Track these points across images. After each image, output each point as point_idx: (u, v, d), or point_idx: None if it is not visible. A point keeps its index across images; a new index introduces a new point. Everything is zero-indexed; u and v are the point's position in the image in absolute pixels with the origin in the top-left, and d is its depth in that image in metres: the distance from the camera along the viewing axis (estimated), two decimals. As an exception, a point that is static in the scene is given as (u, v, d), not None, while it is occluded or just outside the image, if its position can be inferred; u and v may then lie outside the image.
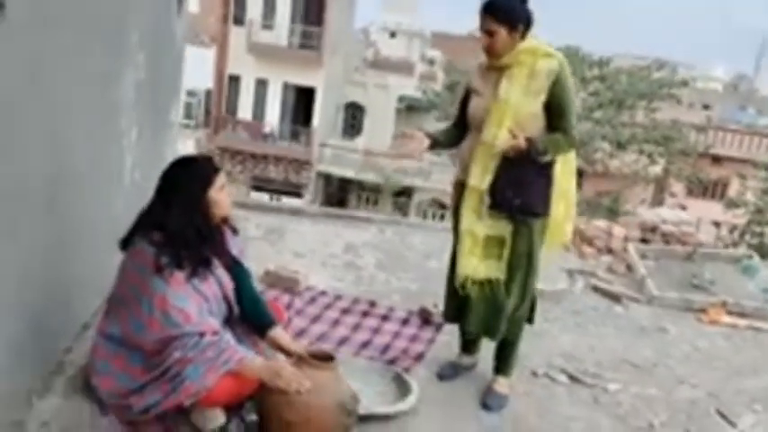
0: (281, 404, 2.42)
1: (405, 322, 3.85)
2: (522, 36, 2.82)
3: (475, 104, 2.98)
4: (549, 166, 2.91)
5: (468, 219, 2.97)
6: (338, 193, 24.97)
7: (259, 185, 23.13)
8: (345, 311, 3.86)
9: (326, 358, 2.58)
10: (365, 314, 3.87)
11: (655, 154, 20.00)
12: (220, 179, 2.58)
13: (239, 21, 23.40)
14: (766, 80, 51.58)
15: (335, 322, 3.70)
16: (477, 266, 2.99)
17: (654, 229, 5.53)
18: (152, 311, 2.40)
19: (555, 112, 2.82)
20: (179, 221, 2.48)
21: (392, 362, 3.29)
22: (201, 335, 2.40)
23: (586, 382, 3.49)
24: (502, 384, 3.18)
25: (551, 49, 2.86)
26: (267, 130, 23.47)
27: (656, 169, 20.78)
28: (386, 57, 34.37)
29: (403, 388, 3.02)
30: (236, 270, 2.72)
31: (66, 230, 2.80)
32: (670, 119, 20.64)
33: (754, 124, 31.49)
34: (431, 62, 36.45)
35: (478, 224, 2.96)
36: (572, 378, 3.50)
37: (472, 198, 2.95)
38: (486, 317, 3.05)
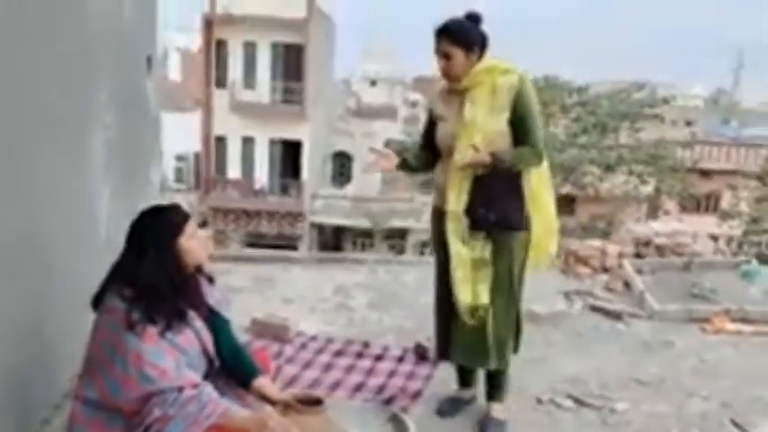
0: (271, 455, 2.29)
1: (400, 360, 3.72)
2: (479, 57, 2.81)
3: (442, 131, 2.94)
4: (517, 178, 2.85)
5: (455, 245, 2.88)
6: (333, 241, 24.89)
7: (253, 242, 23.04)
8: (338, 354, 3.74)
9: (315, 402, 2.46)
10: (359, 355, 3.75)
11: (644, 173, 20.03)
12: (190, 227, 2.50)
13: (222, 83, 23.71)
14: (746, 93, 52.16)
15: (328, 366, 3.57)
16: (468, 292, 2.89)
17: (647, 243, 5.44)
18: (127, 370, 2.29)
19: (519, 126, 2.78)
20: (150, 273, 2.39)
21: (388, 402, 3.16)
22: (180, 390, 2.28)
23: (593, 404, 3.35)
24: (498, 410, 3.06)
25: (510, 66, 2.82)
26: (257, 186, 23.53)
27: (648, 188, 20.79)
28: (368, 104, 34.76)
29: (400, 428, 2.88)
30: (214, 320, 2.61)
31: (35, 296, 2.71)
32: (655, 138, 20.75)
33: (739, 136, 31.70)
34: (413, 104, 36.85)
35: (464, 249, 2.88)
36: (578, 402, 3.37)
37: (453, 223, 2.88)
38: (474, 345, 2.94)
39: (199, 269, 2.61)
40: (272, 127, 23.44)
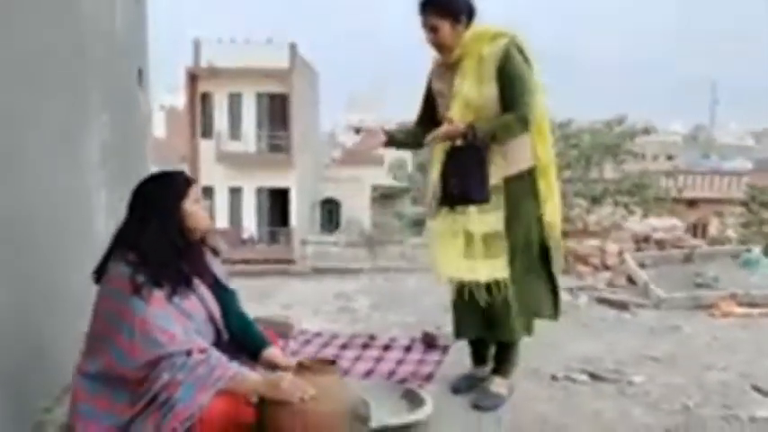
0: (286, 416, 2.18)
1: (408, 349, 3.63)
2: (467, 26, 2.75)
3: (442, 107, 2.89)
4: (482, 150, 2.73)
5: (463, 216, 2.80)
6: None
7: (244, 292, 22.81)
8: (344, 347, 3.64)
9: (328, 364, 2.37)
10: (365, 347, 3.65)
11: (630, 204, 20.17)
12: (194, 191, 2.45)
13: (207, 134, 23.87)
14: (723, 129, 53.21)
15: (335, 358, 3.46)
16: (474, 267, 2.81)
17: (647, 239, 5.42)
18: (132, 335, 2.20)
19: (506, 92, 2.69)
20: (154, 237, 2.33)
21: (401, 382, 3.06)
22: (189, 353, 2.19)
23: (609, 378, 3.27)
24: (499, 384, 2.93)
25: (500, 30, 2.76)
26: (246, 235, 23.43)
27: (635, 219, 20.90)
28: (354, 153, 35.01)
29: (416, 401, 2.78)
30: (221, 293, 2.54)
31: (34, 292, 2.65)
32: (638, 170, 21.01)
33: (719, 168, 32.14)
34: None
35: (471, 223, 2.80)
36: (593, 376, 3.29)
37: (435, 194, 2.84)
38: (493, 320, 2.85)
39: (203, 240, 2.55)
40: (259, 176, 23.52)
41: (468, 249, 2.81)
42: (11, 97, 2.43)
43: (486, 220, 2.79)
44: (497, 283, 2.78)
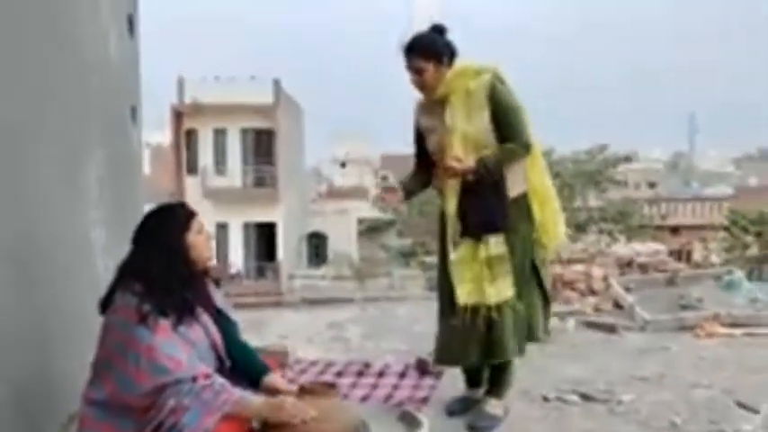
0: (289, 438, 2.25)
1: (402, 375, 3.70)
2: (449, 65, 2.92)
3: (432, 142, 3.04)
4: (501, 183, 2.91)
5: (450, 246, 2.95)
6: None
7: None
8: (339, 374, 3.71)
9: (328, 387, 2.44)
10: (360, 373, 3.72)
11: (614, 231, 20.40)
12: (197, 223, 2.53)
13: (193, 170, 23.91)
14: (703, 156, 54.02)
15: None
16: (484, 291, 2.91)
17: (630, 263, 5.55)
18: (139, 363, 2.25)
19: (500, 120, 2.86)
20: (159, 268, 2.40)
21: (397, 406, 3.12)
22: (194, 379, 2.26)
23: (599, 398, 3.35)
24: (493, 405, 3.04)
25: (482, 65, 2.93)
26: (233, 270, 23.35)
27: (620, 246, 21.11)
28: (339, 187, 35.20)
29: (413, 424, 2.84)
30: (223, 323, 2.61)
31: (40, 322, 2.70)
32: (621, 198, 21.31)
33: (701, 194, 32.63)
34: (384, 178, 37.36)
35: (462, 250, 2.93)
36: (584, 397, 3.37)
37: (450, 227, 2.96)
38: (491, 342, 2.94)
39: (205, 271, 2.63)
40: (246, 211, 23.56)
41: (478, 274, 2.92)
42: (16, 129, 2.50)
43: (490, 243, 2.91)
44: (504, 303, 2.89)
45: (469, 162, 2.83)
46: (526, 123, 2.93)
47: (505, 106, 2.87)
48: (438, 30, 2.94)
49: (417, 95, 3.08)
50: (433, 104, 2.99)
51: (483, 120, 2.86)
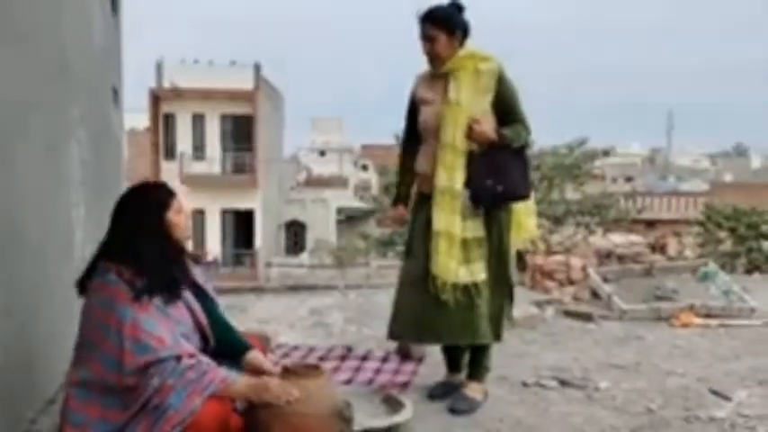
0: (273, 419, 2.26)
1: (384, 360, 3.73)
2: (461, 43, 2.99)
3: (426, 113, 3.06)
4: (523, 149, 3.02)
5: (442, 220, 2.94)
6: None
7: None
8: (322, 359, 3.72)
9: (313, 369, 2.46)
10: (343, 358, 3.74)
11: (591, 224, 20.60)
12: (177, 202, 2.52)
13: (170, 155, 23.68)
14: (679, 152, 54.73)
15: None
16: (457, 270, 2.94)
17: (609, 255, 5.64)
18: (122, 341, 2.24)
19: (505, 107, 2.95)
20: (140, 247, 2.38)
21: (379, 389, 3.15)
22: (179, 359, 2.25)
23: (577, 384, 3.42)
24: (474, 389, 3.09)
25: (488, 54, 3.01)
26: (210, 257, 23.21)
27: (597, 238, 21.33)
28: (319, 175, 35.11)
29: (395, 406, 2.88)
30: (203, 299, 2.61)
31: (18, 305, 2.68)
32: (599, 191, 21.53)
33: (677, 189, 33.08)
34: (364, 167, 37.36)
35: (456, 226, 2.94)
36: (562, 383, 3.43)
37: (445, 200, 2.95)
38: (463, 322, 2.98)
39: (184, 249, 2.62)
40: (224, 197, 23.42)
41: (450, 251, 2.95)
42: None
43: (470, 225, 2.94)
44: (475, 285, 2.93)
45: (488, 128, 2.86)
46: (524, 111, 3.02)
47: (511, 93, 2.98)
48: (456, 6, 3.00)
49: (417, 74, 3.14)
50: (436, 78, 3.03)
51: (485, 102, 2.94)
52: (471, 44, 3.03)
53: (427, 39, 2.95)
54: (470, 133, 2.87)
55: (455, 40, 2.96)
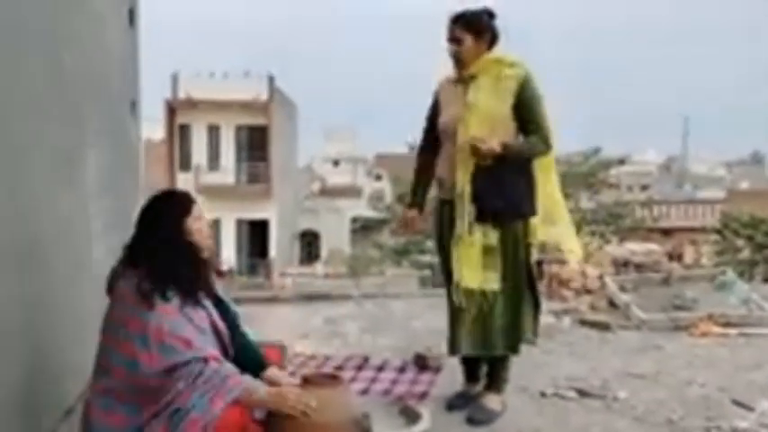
0: (292, 428, 2.26)
1: (401, 370, 3.72)
2: (489, 47, 2.98)
3: (445, 116, 3.06)
4: (527, 164, 2.97)
5: (461, 227, 2.94)
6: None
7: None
8: (338, 368, 3.72)
9: (331, 378, 2.46)
10: (359, 368, 3.74)
11: (606, 233, 20.48)
12: (197, 208, 2.55)
13: (185, 166, 23.85)
14: (695, 160, 54.29)
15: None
16: (477, 277, 2.93)
17: (626, 264, 5.60)
18: (148, 345, 2.22)
19: (526, 115, 2.92)
20: (163, 251, 2.40)
21: (396, 400, 3.14)
22: (206, 360, 2.25)
23: (596, 394, 3.39)
24: (492, 400, 3.07)
25: (518, 60, 2.99)
26: (225, 267, 23.27)
27: (614, 246, 21.20)
28: (333, 185, 35.17)
29: (413, 417, 2.86)
30: (225, 312, 2.62)
31: (39, 314, 2.70)
32: (613, 200, 21.42)
33: (693, 198, 32.82)
34: (378, 177, 37.36)
35: (475, 232, 2.93)
36: (581, 393, 3.40)
37: (462, 206, 2.93)
38: (481, 333, 2.97)
39: (208, 260, 2.63)
40: (239, 207, 23.53)
41: (476, 260, 2.94)
42: (15, 121, 2.49)
43: (483, 233, 2.93)
44: (491, 294, 2.93)
45: (493, 144, 2.82)
46: (549, 123, 2.97)
47: (534, 101, 2.94)
48: (487, 12, 3.00)
49: (437, 80, 3.15)
50: (458, 82, 3.03)
51: (506, 107, 2.90)
52: (503, 50, 3.00)
53: (454, 40, 2.95)
54: (476, 152, 2.85)
55: (482, 44, 2.95)
